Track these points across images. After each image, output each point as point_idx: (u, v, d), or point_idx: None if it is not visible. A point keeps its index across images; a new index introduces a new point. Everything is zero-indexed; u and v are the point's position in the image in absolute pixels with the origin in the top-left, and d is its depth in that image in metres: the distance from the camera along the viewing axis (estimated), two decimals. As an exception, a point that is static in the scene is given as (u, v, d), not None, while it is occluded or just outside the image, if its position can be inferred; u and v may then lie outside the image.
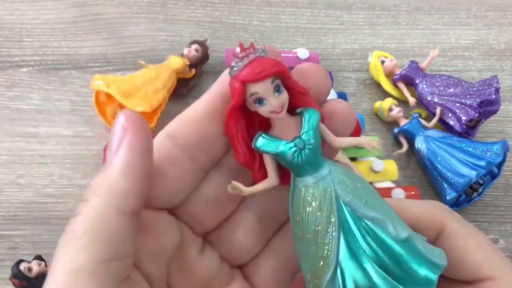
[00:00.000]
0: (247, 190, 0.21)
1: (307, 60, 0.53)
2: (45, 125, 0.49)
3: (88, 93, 0.50)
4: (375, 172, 0.46)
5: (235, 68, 0.20)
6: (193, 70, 0.52)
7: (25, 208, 0.45)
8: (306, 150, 0.20)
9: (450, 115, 0.49)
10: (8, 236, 0.43)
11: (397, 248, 0.20)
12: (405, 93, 0.53)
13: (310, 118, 0.21)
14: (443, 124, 0.50)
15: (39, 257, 0.41)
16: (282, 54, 0.57)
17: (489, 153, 0.46)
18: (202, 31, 0.57)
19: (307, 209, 0.20)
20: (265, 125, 0.21)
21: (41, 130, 0.49)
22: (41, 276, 0.40)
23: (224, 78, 0.21)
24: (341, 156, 0.44)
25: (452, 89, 0.50)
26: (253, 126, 0.22)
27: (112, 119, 0.48)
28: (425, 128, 0.49)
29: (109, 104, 0.48)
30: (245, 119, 0.21)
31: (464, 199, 0.48)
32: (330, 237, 0.20)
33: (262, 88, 0.20)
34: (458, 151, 0.46)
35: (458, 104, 0.49)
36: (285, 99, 0.20)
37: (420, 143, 0.48)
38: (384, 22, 0.60)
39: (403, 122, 0.51)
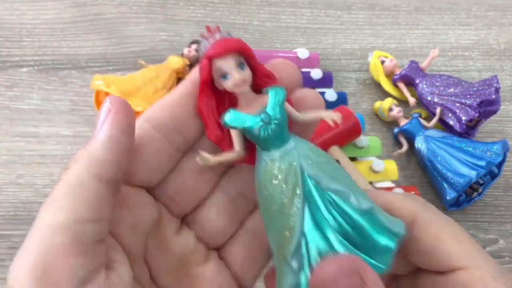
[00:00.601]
0: (213, 159, 0.22)
1: (307, 60, 0.53)
2: (45, 125, 0.49)
3: (88, 93, 0.50)
4: (375, 172, 0.46)
5: (202, 48, 0.22)
6: (193, 70, 0.52)
7: (25, 208, 0.45)
8: (272, 125, 0.22)
9: (450, 115, 0.49)
10: (8, 236, 0.43)
11: (359, 218, 0.21)
12: (405, 93, 0.53)
13: (276, 95, 0.22)
14: (443, 124, 0.50)
15: (39, 257, 0.41)
16: (282, 54, 0.58)
17: (489, 153, 0.46)
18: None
19: (273, 182, 0.21)
20: (235, 105, 0.23)
21: (41, 130, 0.49)
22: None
23: (197, 69, 0.23)
24: (340, 156, 0.44)
25: (452, 89, 0.50)
26: (224, 106, 0.23)
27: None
28: (425, 128, 0.49)
29: (109, 104, 0.48)
30: (215, 99, 0.23)
31: (464, 199, 0.48)
32: (296, 209, 0.21)
33: (225, 63, 0.22)
34: (458, 151, 0.46)
35: (458, 104, 0.49)
36: (247, 75, 0.22)
37: (420, 143, 0.48)
38: (384, 22, 0.60)
39: (403, 122, 0.51)
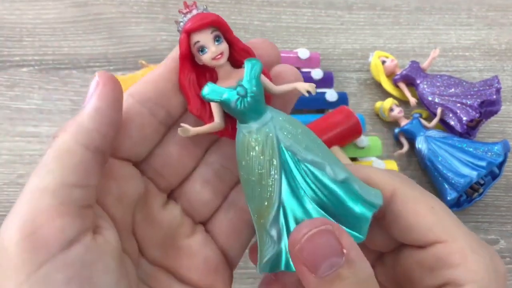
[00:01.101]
0: (193, 130, 0.23)
1: (308, 60, 0.53)
2: (45, 124, 0.49)
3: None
4: (375, 172, 0.46)
5: (181, 23, 0.23)
6: (194, 70, 0.52)
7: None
8: (248, 98, 0.22)
9: (451, 115, 0.49)
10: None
11: (334, 188, 0.21)
12: (406, 93, 0.53)
13: (252, 68, 0.23)
14: (444, 125, 0.50)
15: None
16: (283, 54, 0.58)
17: (490, 154, 0.46)
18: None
19: (251, 153, 0.22)
20: (214, 79, 0.24)
21: (42, 129, 0.49)
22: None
23: (177, 48, 0.24)
24: (341, 156, 0.44)
25: (453, 89, 0.50)
26: (204, 80, 0.24)
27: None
28: (426, 128, 0.49)
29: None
30: (196, 73, 0.24)
31: (465, 199, 0.48)
32: (273, 179, 0.22)
33: (202, 37, 0.23)
34: (458, 151, 0.46)
35: (459, 105, 0.49)
36: (224, 48, 0.23)
37: (420, 143, 0.48)
38: (385, 22, 0.60)
39: (403, 122, 0.50)
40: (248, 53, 0.24)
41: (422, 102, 0.51)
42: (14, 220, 0.19)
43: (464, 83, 0.50)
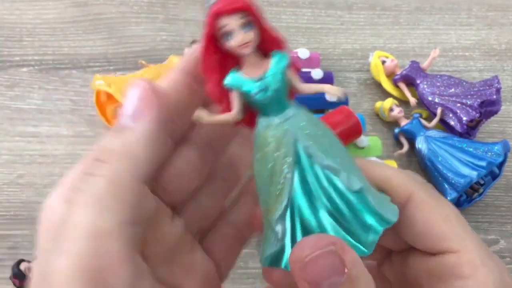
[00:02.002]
0: (208, 118, 0.22)
1: (308, 60, 0.53)
2: (45, 124, 0.49)
3: (88, 93, 0.50)
4: (375, 172, 0.46)
5: (210, 3, 0.21)
6: (194, 70, 0.52)
7: (26, 208, 0.45)
8: (270, 92, 0.21)
9: (451, 115, 0.49)
10: (8, 235, 0.43)
11: (349, 196, 0.21)
12: (406, 93, 0.53)
13: (279, 61, 0.21)
14: (444, 125, 0.50)
15: (39, 257, 0.41)
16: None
17: (490, 154, 0.46)
18: (202, 31, 0.57)
19: (266, 147, 0.21)
20: (240, 67, 0.22)
21: (42, 129, 0.49)
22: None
23: (185, 59, 0.22)
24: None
25: (453, 89, 0.50)
26: (228, 66, 0.22)
27: (112, 119, 0.48)
28: (426, 128, 0.49)
29: (110, 104, 0.48)
30: (219, 57, 0.22)
31: (465, 199, 0.48)
32: (284, 177, 0.21)
33: (230, 22, 0.21)
34: (458, 151, 0.46)
35: (459, 105, 0.49)
36: (252, 36, 0.21)
37: (420, 143, 0.48)
38: (385, 22, 0.60)
39: (403, 122, 0.50)
40: (279, 44, 0.22)
41: (422, 102, 0.51)
42: (73, 263, 0.17)
43: (464, 83, 0.50)
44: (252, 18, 0.21)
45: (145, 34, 0.56)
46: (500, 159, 0.45)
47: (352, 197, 0.21)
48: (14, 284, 0.40)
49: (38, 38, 0.55)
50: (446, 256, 0.21)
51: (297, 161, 0.21)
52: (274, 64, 0.21)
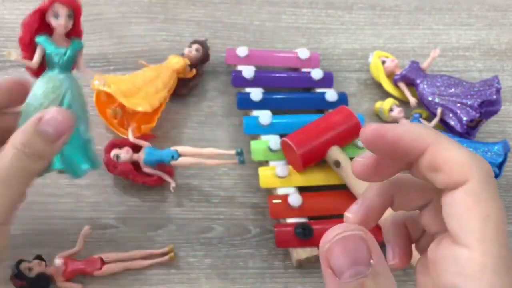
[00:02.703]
0: (16, 57, 0.34)
1: (308, 60, 0.53)
2: (45, 125, 0.49)
3: (89, 93, 0.50)
4: (375, 172, 0.46)
5: None
6: (194, 70, 0.52)
7: (26, 207, 0.45)
8: (65, 58, 0.35)
9: (451, 115, 0.49)
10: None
11: (82, 138, 0.35)
12: (406, 94, 0.53)
13: (77, 44, 0.36)
14: (444, 125, 0.50)
15: (39, 257, 0.41)
16: (282, 54, 0.58)
17: (490, 154, 0.46)
18: (202, 31, 0.57)
19: (41, 90, 0.34)
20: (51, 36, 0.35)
21: (42, 130, 0.49)
22: (42, 276, 0.40)
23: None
24: (341, 156, 0.44)
25: (453, 90, 0.50)
26: (43, 31, 0.35)
27: (112, 119, 0.48)
28: (426, 128, 0.49)
29: (110, 104, 0.48)
30: (40, 24, 0.34)
31: (465, 199, 0.48)
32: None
33: (62, 9, 0.34)
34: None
35: (459, 105, 0.49)
36: (69, 24, 0.35)
37: (420, 143, 0.48)
38: (385, 22, 0.60)
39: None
40: (79, 34, 0.37)
41: (422, 102, 0.51)
42: None
43: (464, 83, 0.50)
44: (75, 14, 0.35)
45: (145, 34, 0.56)
46: (500, 159, 0.45)
47: (83, 140, 0.35)
48: (14, 284, 0.40)
49: (38, 38, 0.55)
50: (461, 249, 0.21)
51: (60, 104, 0.34)
52: (74, 44, 0.36)
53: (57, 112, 0.32)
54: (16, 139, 0.31)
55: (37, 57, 0.34)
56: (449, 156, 0.21)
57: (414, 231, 0.26)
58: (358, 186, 0.42)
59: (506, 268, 0.21)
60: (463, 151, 0.22)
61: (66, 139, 0.32)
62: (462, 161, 0.21)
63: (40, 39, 0.34)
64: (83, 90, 0.37)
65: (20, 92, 0.34)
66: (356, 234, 0.19)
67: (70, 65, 0.35)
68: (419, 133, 0.22)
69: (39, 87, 0.34)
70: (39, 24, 0.34)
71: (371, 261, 0.19)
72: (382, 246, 0.23)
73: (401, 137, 0.22)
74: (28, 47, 0.34)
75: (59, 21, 0.34)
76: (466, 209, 0.21)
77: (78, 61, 0.36)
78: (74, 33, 0.36)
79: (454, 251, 0.21)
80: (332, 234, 0.19)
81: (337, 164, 0.43)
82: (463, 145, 0.23)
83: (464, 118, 0.48)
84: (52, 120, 0.31)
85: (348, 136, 0.46)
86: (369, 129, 0.22)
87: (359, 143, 0.47)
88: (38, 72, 0.35)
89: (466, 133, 0.48)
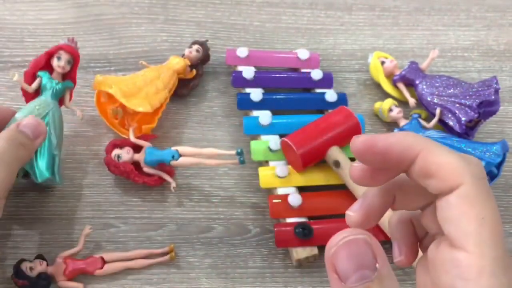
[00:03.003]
0: (19, 80, 0.43)
1: (308, 60, 0.53)
2: (46, 125, 0.49)
3: (89, 93, 0.50)
4: (375, 172, 0.46)
5: (63, 42, 0.44)
6: (194, 71, 0.52)
7: (27, 207, 0.45)
8: (56, 88, 0.43)
9: (449, 115, 0.49)
10: (9, 235, 0.43)
11: (51, 152, 0.42)
12: (405, 94, 0.53)
13: (67, 83, 0.44)
14: (443, 125, 0.50)
15: (40, 257, 0.41)
16: (282, 55, 0.58)
17: (488, 154, 0.46)
18: (203, 31, 0.57)
19: (28, 108, 0.42)
20: (51, 73, 0.44)
21: (43, 130, 0.49)
22: (43, 276, 0.40)
23: None
24: (341, 157, 0.44)
25: (451, 90, 0.50)
26: (45, 69, 0.44)
27: (113, 119, 0.48)
28: (425, 128, 0.50)
29: (111, 104, 0.48)
30: (45, 64, 0.44)
31: (464, 199, 0.48)
32: None
33: (65, 56, 0.43)
34: (457, 151, 0.47)
35: (457, 105, 0.49)
36: (67, 68, 0.44)
37: (420, 144, 0.48)
38: (384, 23, 0.60)
39: (403, 123, 0.51)
40: (72, 80, 0.45)
41: (421, 102, 0.52)
42: None
43: (463, 84, 0.50)
44: (73, 60, 0.44)
45: (145, 34, 0.56)
46: (499, 159, 0.46)
47: (52, 154, 0.42)
48: (16, 284, 0.40)
49: (39, 39, 0.55)
50: (459, 252, 0.21)
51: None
52: (66, 83, 0.44)
53: (32, 118, 0.40)
54: (3, 133, 0.39)
55: (35, 84, 0.43)
56: (440, 162, 0.22)
57: (420, 229, 0.27)
58: (358, 186, 0.42)
59: (503, 269, 0.21)
60: (453, 156, 0.22)
61: (42, 140, 0.40)
62: (453, 165, 0.22)
63: (41, 72, 0.43)
64: (63, 119, 0.44)
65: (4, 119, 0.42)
66: (361, 238, 0.19)
67: (58, 95, 0.44)
68: (408, 142, 0.22)
69: (27, 106, 0.42)
70: (44, 64, 0.43)
71: (377, 265, 0.19)
72: (383, 244, 0.23)
73: (391, 147, 0.22)
74: (31, 78, 0.43)
75: (60, 63, 0.43)
76: (461, 213, 0.21)
77: (66, 96, 0.45)
78: (69, 77, 0.45)
79: (452, 254, 0.21)
80: (337, 239, 0.20)
81: (337, 164, 0.44)
82: (453, 149, 0.23)
83: (463, 118, 0.48)
84: (28, 124, 0.39)
85: (347, 136, 0.46)
86: (359, 140, 0.23)
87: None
88: (31, 98, 0.44)
89: (465, 133, 0.49)
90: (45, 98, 0.43)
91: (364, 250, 0.19)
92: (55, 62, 0.43)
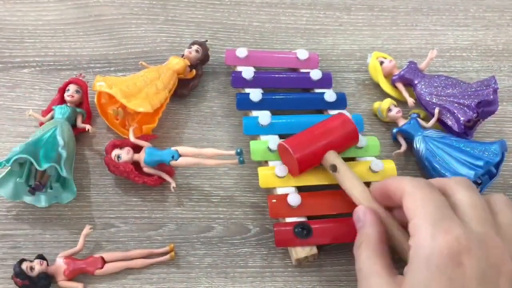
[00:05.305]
0: (36, 116, 0.48)
1: (307, 61, 0.53)
2: (46, 125, 0.49)
3: (89, 94, 0.50)
4: (374, 172, 0.46)
5: (78, 76, 0.50)
6: (194, 71, 0.52)
7: (27, 207, 0.45)
8: (64, 111, 0.47)
9: (448, 115, 0.49)
10: (10, 235, 0.44)
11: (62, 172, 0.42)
12: (403, 94, 0.53)
13: (79, 109, 0.48)
14: (442, 124, 0.51)
15: (41, 257, 0.41)
16: (281, 55, 0.58)
17: (487, 153, 0.46)
18: (202, 32, 0.58)
19: (44, 128, 0.45)
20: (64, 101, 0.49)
21: (43, 130, 0.49)
22: (43, 275, 0.40)
23: None
24: (337, 161, 0.44)
25: (450, 90, 0.50)
26: (57, 102, 0.49)
27: (113, 120, 0.49)
28: (424, 128, 0.50)
29: (111, 104, 0.49)
30: (59, 98, 0.49)
31: (462, 198, 0.48)
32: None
33: (73, 87, 0.48)
34: (456, 151, 0.47)
35: (456, 105, 0.49)
36: (77, 96, 0.48)
37: (418, 143, 0.49)
38: (383, 23, 0.61)
39: (401, 122, 0.51)
40: (86, 109, 0.49)
41: (419, 102, 0.52)
42: None
43: (462, 84, 0.50)
44: (81, 89, 0.48)
45: (145, 35, 0.56)
46: (497, 159, 0.46)
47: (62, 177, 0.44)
48: (16, 284, 0.40)
49: (39, 39, 0.55)
50: (411, 222, 0.35)
51: (51, 134, 0.44)
52: (75, 108, 0.48)
53: None
54: None
55: (49, 116, 0.47)
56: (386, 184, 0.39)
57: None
58: (354, 190, 0.42)
59: (434, 222, 0.33)
60: (394, 178, 0.40)
61: None
62: (397, 183, 0.38)
63: (55, 107, 0.47)
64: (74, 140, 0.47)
65: None
66: (359, 210, 0.40)
67: (68, 119, 0.47)
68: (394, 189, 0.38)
69: (43, 128, 0.46)
70: (60, 100, 0.48)
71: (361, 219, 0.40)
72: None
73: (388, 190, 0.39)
74: (47, 112, 0.48)
75: (68, 93, 0.48)
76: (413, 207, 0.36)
77: (78, 119, 0.48)
78: (83, 106, 0.49)
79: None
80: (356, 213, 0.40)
81: (334, 168, 0.43)
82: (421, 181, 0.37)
83: (462, 118, 0.48)
84: None
85: (344, 142, 0.46)
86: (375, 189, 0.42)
87: (358, 143, 0.47)
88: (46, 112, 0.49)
89: (464, 133, 0.49)
90: (54, 119, 0.46)
91: (356, 214, 0.41)
92: (65, 94, 0.48)
